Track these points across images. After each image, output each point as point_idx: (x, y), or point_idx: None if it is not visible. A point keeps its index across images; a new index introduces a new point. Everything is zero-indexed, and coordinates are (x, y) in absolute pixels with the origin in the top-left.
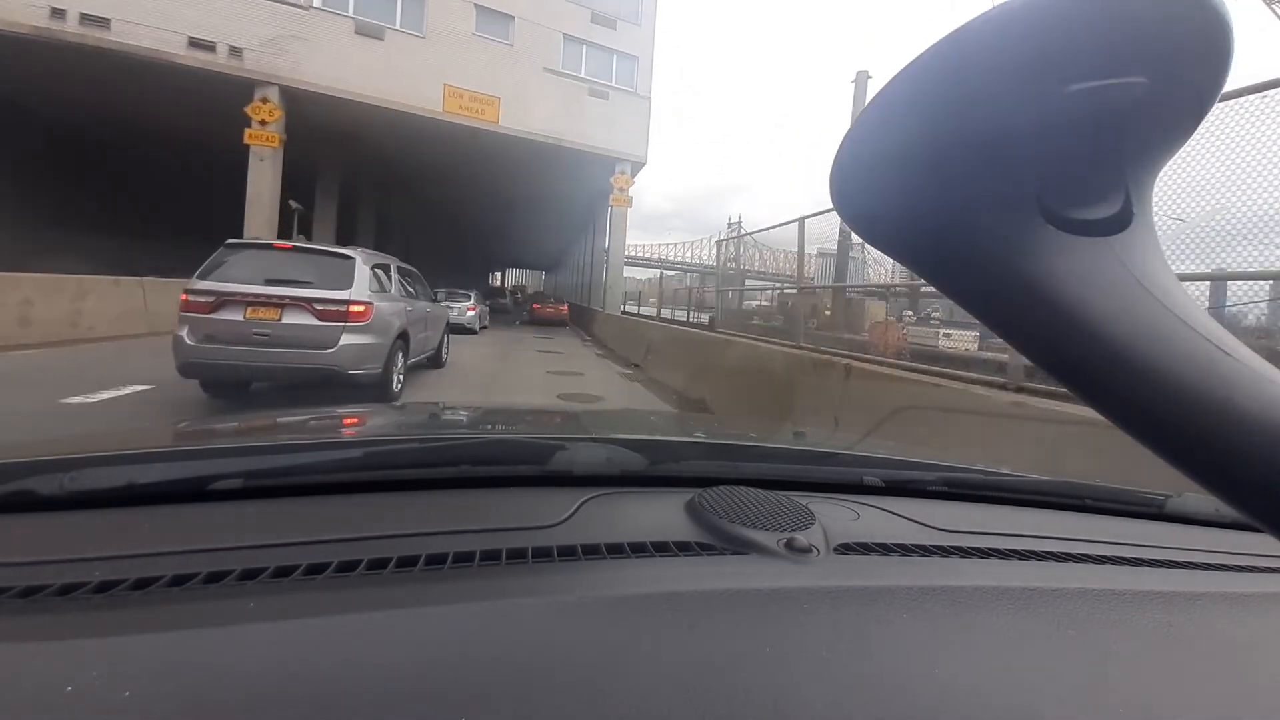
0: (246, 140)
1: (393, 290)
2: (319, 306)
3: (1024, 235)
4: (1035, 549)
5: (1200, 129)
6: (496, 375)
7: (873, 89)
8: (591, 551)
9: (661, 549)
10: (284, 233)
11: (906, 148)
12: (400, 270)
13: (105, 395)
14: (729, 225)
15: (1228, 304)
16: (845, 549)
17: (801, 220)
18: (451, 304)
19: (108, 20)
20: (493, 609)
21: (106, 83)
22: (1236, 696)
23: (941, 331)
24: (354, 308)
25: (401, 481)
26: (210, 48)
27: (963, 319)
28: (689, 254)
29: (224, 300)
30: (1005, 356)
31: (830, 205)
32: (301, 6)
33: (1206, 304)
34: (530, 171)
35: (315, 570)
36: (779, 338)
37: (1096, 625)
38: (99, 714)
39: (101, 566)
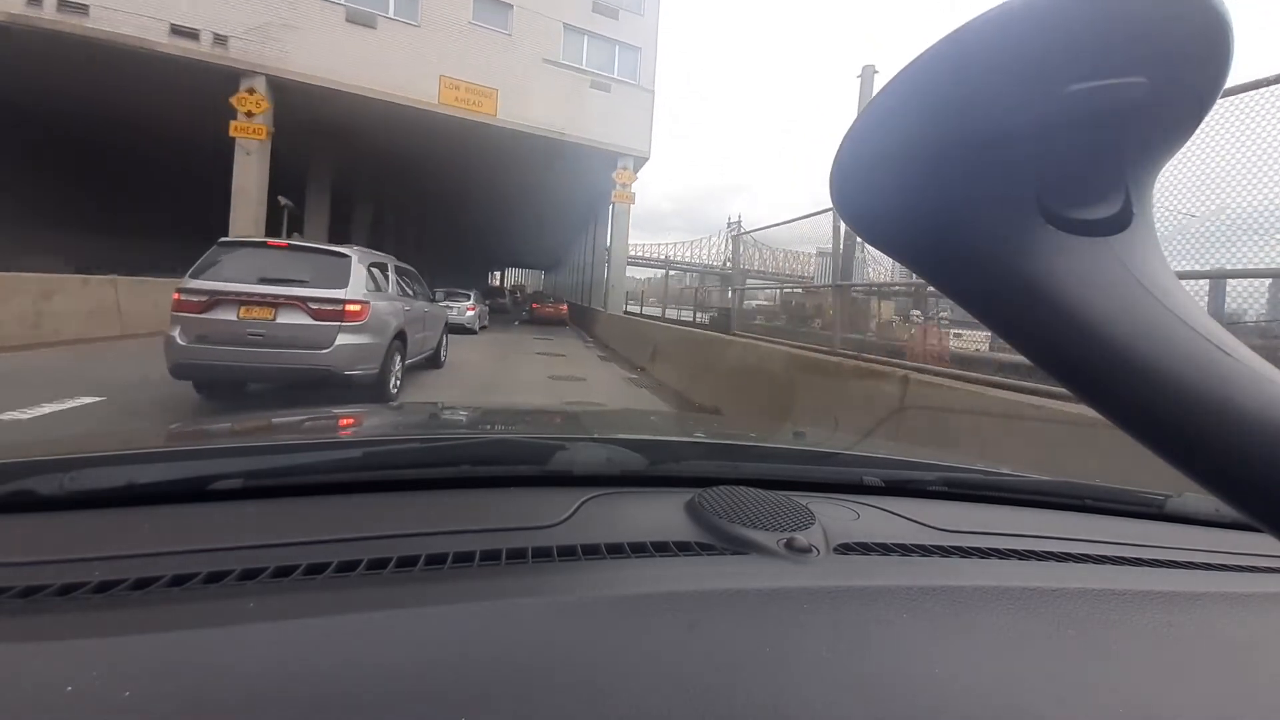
0: (232, 133)
1: (390, 289)
2: (314, 306)
3: (1024, 235)
4: (1035, 549)
5: (1202, 126)
6: (496, 377)
7: (879, 84)
8: (591, 551)
9: (661, 549)
10: (273, 230)
11: (907, 148)
12: (398, 269)
13: (46, 409)
14: (729, 224)
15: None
16: (845, 549)
17: (835, 211)
18: (450, 304)
19: (86, 6)
20: (493, 609)
21: (86, 73)
22: (1236, 696)
23: (952, 332)
24: (350, 307)
25: (401, 481)
26: (194, 35)
27: (972, 319)
28: (689, 253)
29: (217, 299)
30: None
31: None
32: None
33: (1206, 303)
34: (530, 167)
35: (315, 570)
36: (802, 341)
37: (1096, 625)
38: (99, 714)
39: (101, 566)
